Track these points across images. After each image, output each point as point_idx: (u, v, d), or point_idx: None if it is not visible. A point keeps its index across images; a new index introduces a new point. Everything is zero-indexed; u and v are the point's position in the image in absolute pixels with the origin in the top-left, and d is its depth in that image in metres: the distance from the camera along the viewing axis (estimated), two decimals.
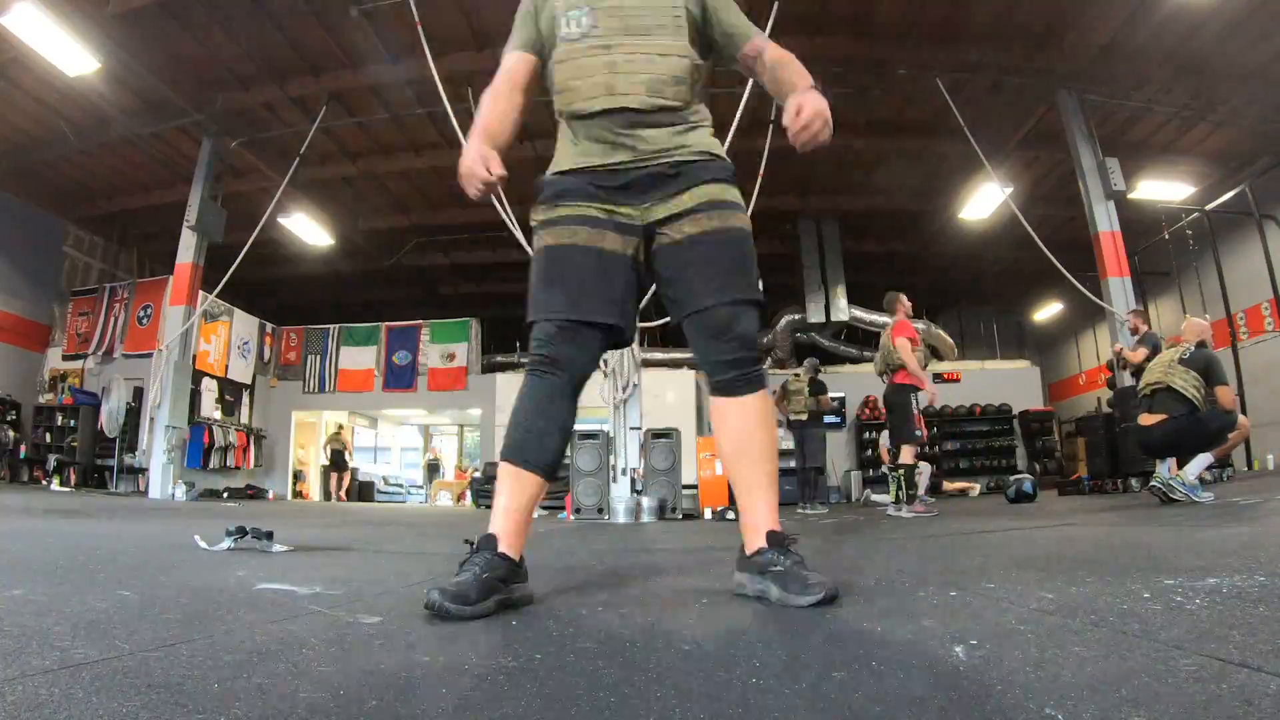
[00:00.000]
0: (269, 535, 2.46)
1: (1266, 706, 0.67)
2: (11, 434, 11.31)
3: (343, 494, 13.68)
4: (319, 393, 14.12)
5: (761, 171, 8.04)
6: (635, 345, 7.24)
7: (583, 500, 7.09)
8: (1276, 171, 9.62)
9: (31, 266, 11.86)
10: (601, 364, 7.17)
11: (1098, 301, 8.49)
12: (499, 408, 12.12)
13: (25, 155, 10.14)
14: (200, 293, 9.65)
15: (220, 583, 1.67)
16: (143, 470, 10.34)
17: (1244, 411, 4.95)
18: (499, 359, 13.93)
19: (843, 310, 12.61)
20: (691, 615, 1.33)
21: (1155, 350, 6.51)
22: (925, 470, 6.15)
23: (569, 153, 1.57)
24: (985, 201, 10.55)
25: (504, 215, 7.32)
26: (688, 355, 10.77)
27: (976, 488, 10.46)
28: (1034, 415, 13.44)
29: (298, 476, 14.50)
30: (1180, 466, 4.31)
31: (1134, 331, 7.04)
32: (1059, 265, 8.35)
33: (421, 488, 17.16)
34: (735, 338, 1.49)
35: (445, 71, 7.46)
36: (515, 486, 1.46)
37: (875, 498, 9.80)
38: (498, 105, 1.60)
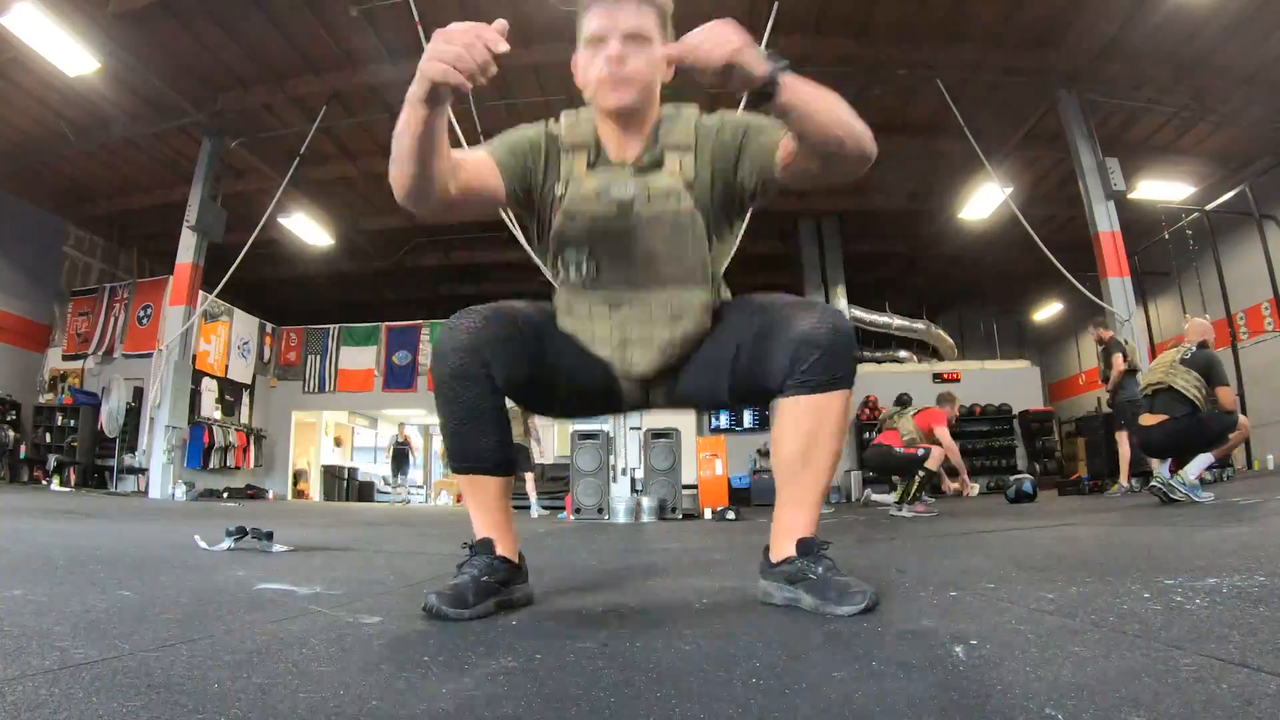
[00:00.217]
0: (269, 535, 2.46)
1: (1266, 706, 0.67)
2: (11, 434, 11.31)
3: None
4: (319, 393, 14.13)
5: None
6: None
7: (583, 500, 7.10)
8: (1276, 171, 9.63)
9: (31, 266, 11.86)
10: None
11: (1098, 301, 8.48)
12: None
13: (25, 155, 10.13)
14: (200, 293, 9.66)
15: (220, 583, 1.67)
16: (143, 470, 10.35)
17: (1244, 412, 4.95)
18: None
19: (843, 310, 12.62)
20: (691, 615, 1.33)
21: (1123, 354, 6.54)
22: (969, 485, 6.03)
23: (566, 323, 1.47)
24: (985, 201, 10.55)
25: (504, 215, 7.32)
26: None
27: (975, 488, 10.45)
28: (1034, 415, 13.43)
29: (298, 477, 14.51)
30: (1180, 467, 4.31)
31: (1099, 342, 7.00)
32: (1059, 265, 8.35)
33: (421, 487, 17.13)
34: (831, 328, 1.29)
35: None
36: (475, 489, 1.41)
37: (876, 497, 9.79)
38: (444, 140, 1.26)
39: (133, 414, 10.97)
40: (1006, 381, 13.78)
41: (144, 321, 11.99)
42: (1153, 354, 8.36)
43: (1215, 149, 10.12)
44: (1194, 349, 4.48)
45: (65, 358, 12.39)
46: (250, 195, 10.56)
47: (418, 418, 17.89)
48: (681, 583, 1.87)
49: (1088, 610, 1.16)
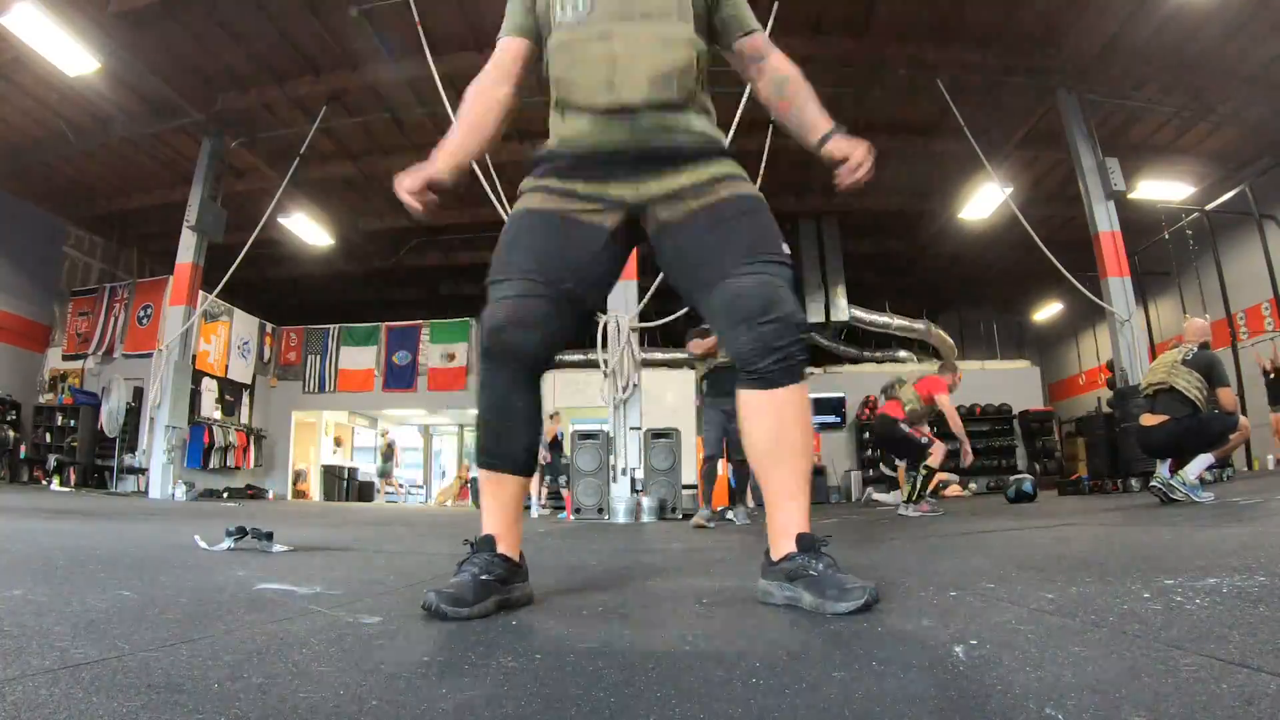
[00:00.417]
0: (269, 535, 2.45)
1: (1266, 706, 0.67)
2: (11, 434, 11.31)
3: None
4: (319, 393, 14.13)
5: (761, 172, 8.04)
6: (635, 345, 7.24)
7: (583, 500, 7.10)
8: (1276, 171, 9.62)
9: (31, 266, 11.86)
10: (601, 364, 7.18)
11: (1098, 301, 8.49)
12: None
13: (25, 155, 10.13)
14: (200, 293, 9.65)
15: (220, 583, 1.67)
16: (143, 470, 10.35)
17: (1244, 412, 4.94)
18: None
19: (843, 310, 12.60)
20: (692, 615, 1.33)
21: None
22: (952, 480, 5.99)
23: (560, 130, 1.49)
24: (985, 201, 10.55)
25: (504, 215, 7.32)
26: (687, 355, 10.76)
27: (971, 488, 10.46)
28: (1034, 415, 13.45)
29: (298, 477, 14.51)
30: (1180, 467, 4.31)
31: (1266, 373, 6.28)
32: (1059, 265, 8.35)
33: (421, 487, 17.13)
34: (777, 319, 1.32)
35: (445, 71, 7.45)
36: (496, 488, 1.45)
37: (876, 496, 9.81)
38: (478, 104, 1.55)
39: (133, 414, 10.97)
40: (1006, 381, 13.79)
41: (144, 321, 12.00)
42: (1153, 354, 8.36)
43: (1215, 149, 10.12)
44: (1195, 349, 4.48)
45: (65, 358, 12.39)
46: (250, 195, 10.55)
47: (417, 418, 17.90)
48: (681, 583, 1.87)
49: (1088, 610, 1.16)
